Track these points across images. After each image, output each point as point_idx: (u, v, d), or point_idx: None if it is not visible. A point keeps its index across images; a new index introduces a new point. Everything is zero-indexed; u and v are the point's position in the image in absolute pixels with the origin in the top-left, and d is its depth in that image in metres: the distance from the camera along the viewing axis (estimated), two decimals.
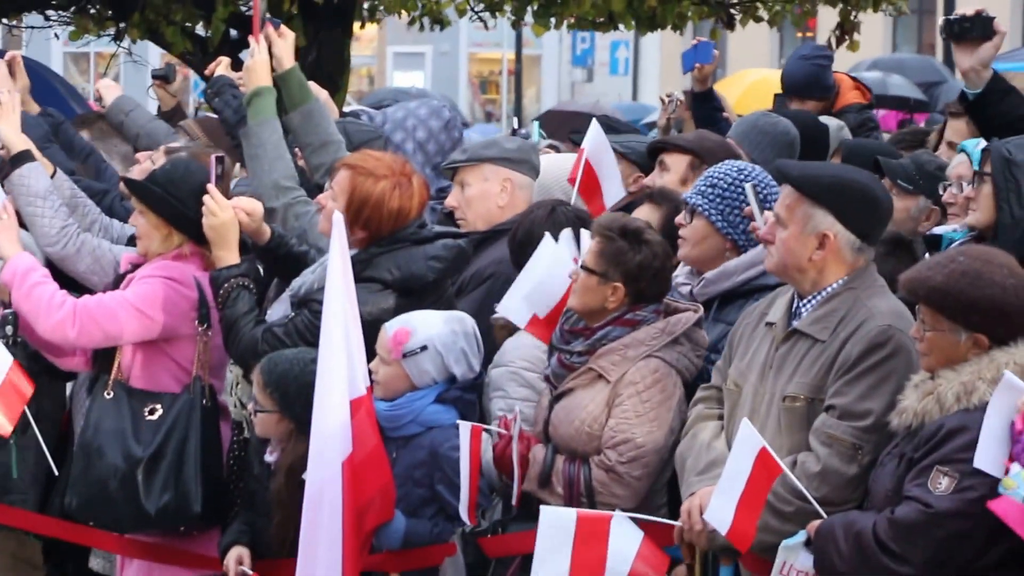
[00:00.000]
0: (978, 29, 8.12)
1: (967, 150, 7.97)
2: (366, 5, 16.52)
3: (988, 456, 6.16)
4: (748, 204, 7.67)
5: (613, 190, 9.17)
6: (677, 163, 8.97)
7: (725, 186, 7.73)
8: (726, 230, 7.70)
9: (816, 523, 6.58)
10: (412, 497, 7.64)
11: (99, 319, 8.26)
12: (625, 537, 6.99)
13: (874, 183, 7.22)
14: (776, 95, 13.12)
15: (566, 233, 7.77)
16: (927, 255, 7.85)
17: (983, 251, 6.75)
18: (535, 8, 16.18)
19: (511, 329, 8.00)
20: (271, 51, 9.07)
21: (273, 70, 9.07)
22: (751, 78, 20.52)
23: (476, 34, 28.14)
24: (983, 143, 7.87)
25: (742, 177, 7.74)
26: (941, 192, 8.23)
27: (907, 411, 6.51)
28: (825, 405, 6.73)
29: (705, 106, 12.38)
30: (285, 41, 9.14)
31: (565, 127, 14.59)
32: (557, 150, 13.04)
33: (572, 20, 16.28)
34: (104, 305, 8.30)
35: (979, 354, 6.43)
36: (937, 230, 8.16)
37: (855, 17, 16.74)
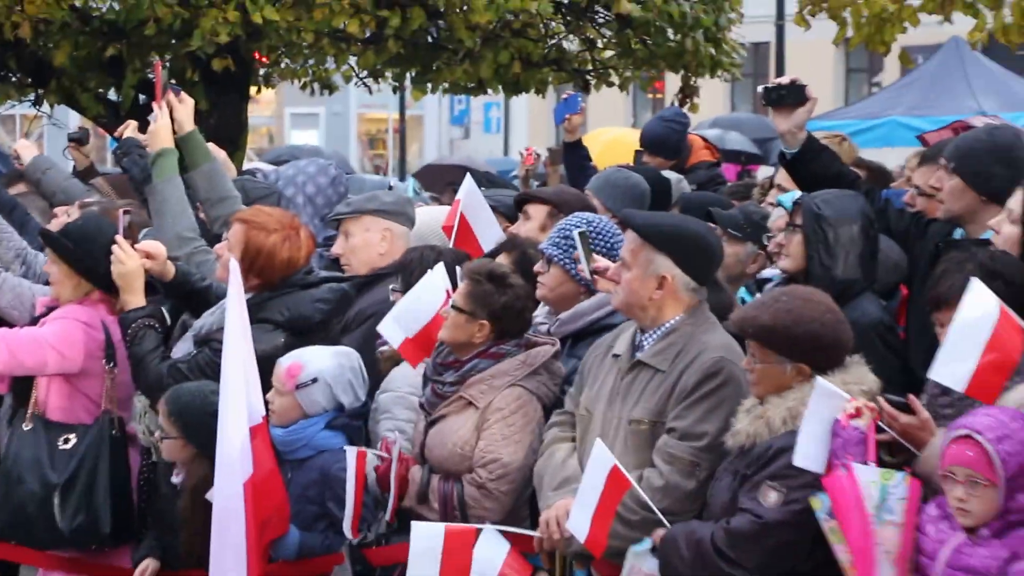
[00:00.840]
0: (792, 96, 8.17)
1: (783, 203, 8.04)
2: (262, 72, 16.43)
3: (806, 455, 6.29)
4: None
5: (488, 235, 9.17)
6: (538, 213, 9.02)
7: (576, 244, 7.75)
8: (578, 277, 7.72)
9: (661, 531, 6.65)
10: (306, 513, 7.64)
11: (24, 350, 8.23)
12: (493, 547, 7.05)
13: (707, 231, 7.31)
14: (636, 150, 13.13)
15: (440, 268, 7.77)
16: (758, 295, 7.94)
17: (803, 291, 6.88)
18: (413, 75, 16.17)
19: (396, 360, 8.02)
20: (173, 116, 9.03)
21: (175, 132, 9.03)
22: (608, 136, 20.53)
23: (364, 96, 28.04)
24: (798, 195, 7.96)
25: (591, 230, 7.76)
26: (766, 241, 8.29)
27: (740, 433, 6.58)
28: (667, 427, 6.79)
29: (575, 155, 12.44)
30: (185, 106, 9.12)
31: (442, 179, 14.66)
32: (439, 201, 13.05)
33: (446, 85, 16.25)
34: (28, 338, 8.28)
35: (802, 382, 6.52)
36: (765, 273, 8.24)
37: (694, 82, 16.82)
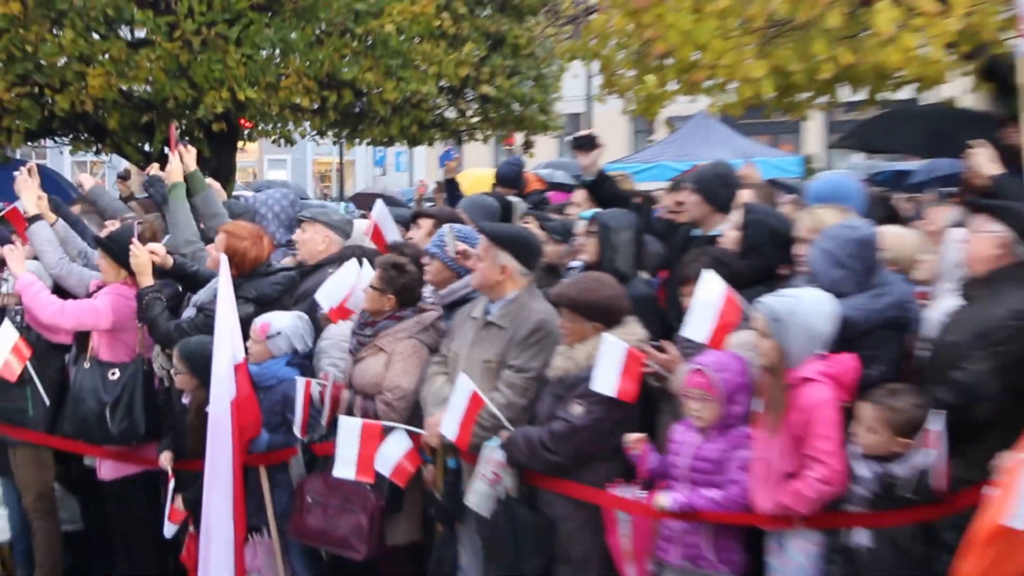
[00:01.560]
0: (590, 143, 8.19)
1: (584, 217, 8.06)
2: (246, 132, 16.36)
3: (600, 380, 6.35)
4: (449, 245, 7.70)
5: (392, 238, 9.14)
6: (426, 224, 8.95)
7: (446, 240, 7.74)
8: (452, 266, 7.69)
9: (505, 432, 6.63)
10: (272, 421, 7.55)
11: (80, 314, 8.32)
12: (399, 442, 6.99)
13: (531, 235, 7.28)
14: (493, 184, 13.10)
15: (353, 262, 7.72)
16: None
17: (596, 275, 6.92)
18: (346, 133, 16.11)
19: (329, 320, 7.95)
20: (183, 160, 9.01)
21: (185, 171, 9.01)
22: (475, 174, 20.40)
23: (315, 147, 27.91)
24: (593, 211, 8.00)
25: (455, 232, 7.74)
26: (573, 242, 8.29)
27: (557, 368, 6.59)
28: (507, 364, 6.78)
29: (452, 187, 12.38)
30: (191, 154, 9.13)
31: (368, 203, 14.51)
32: (366, 217, 12.97)
33: (369, 140, 16.19)
34: (88, 307, 8.31)
35: (596, 334, 6.51)
36: (572, 264, 8.23)
37: (532, 138, 16.86)
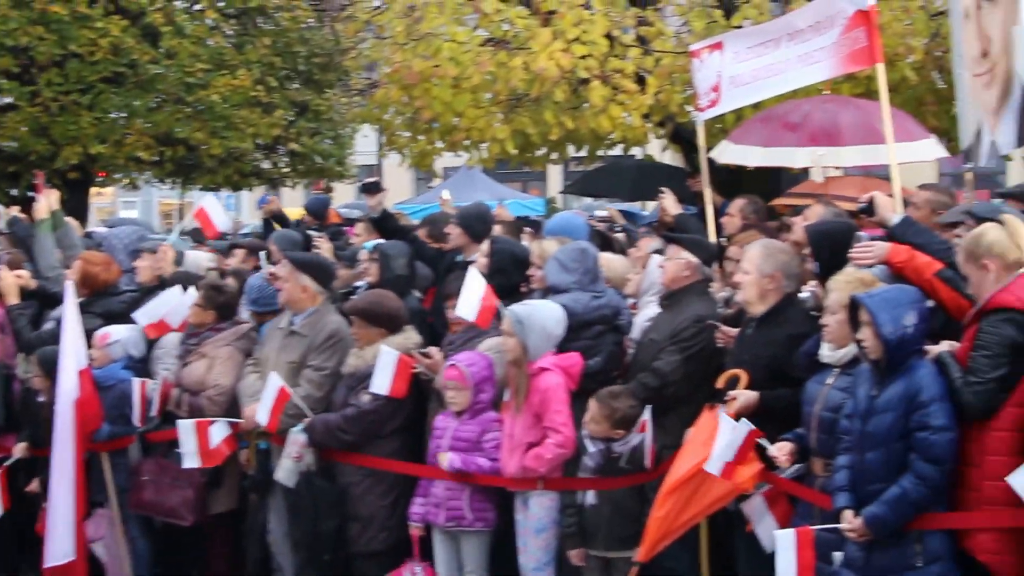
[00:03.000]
0: (375, 188, 8.00)
1: (367, 247, 7.94)
2: (99, 179, 15.89)
3: (376, 382, 6.25)
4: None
5: (220, 226, 9.02)
6: (239, 253, 8.74)
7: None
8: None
9: (308, 419, 6.46)
10: (111, 415, 7.14)
11: None
12: (220, 430, 6.72)
13: (328, 262, 7.18)
14: (302, 214, 12.84)
15: (176, 288, 7.42)
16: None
17: (379, 291, 6.83)
18: (182, 180, 15.71)
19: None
20: (48, 201, 8.51)
21: (49, 210, 8.52)
22: (290, 214, 20.05)
23: (160, 192, 27.22)
24: (375, 242, 7.88)
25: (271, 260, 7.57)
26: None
27: (350, 366, 6.49)
28: (307, 364, 6.62)
29: (267, 226, 12.02)
30: (54, 197, 8.59)
31: (202, 235, 14.01)
32: (197, 248, 12.52)
33: (200, 186, 15.77)
34: None
35: (381, 338, 6.41)
36: (358, 283, 8.04)
37: (331, 184, 16.71)
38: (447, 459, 6.07)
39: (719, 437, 5.06)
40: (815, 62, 7.21)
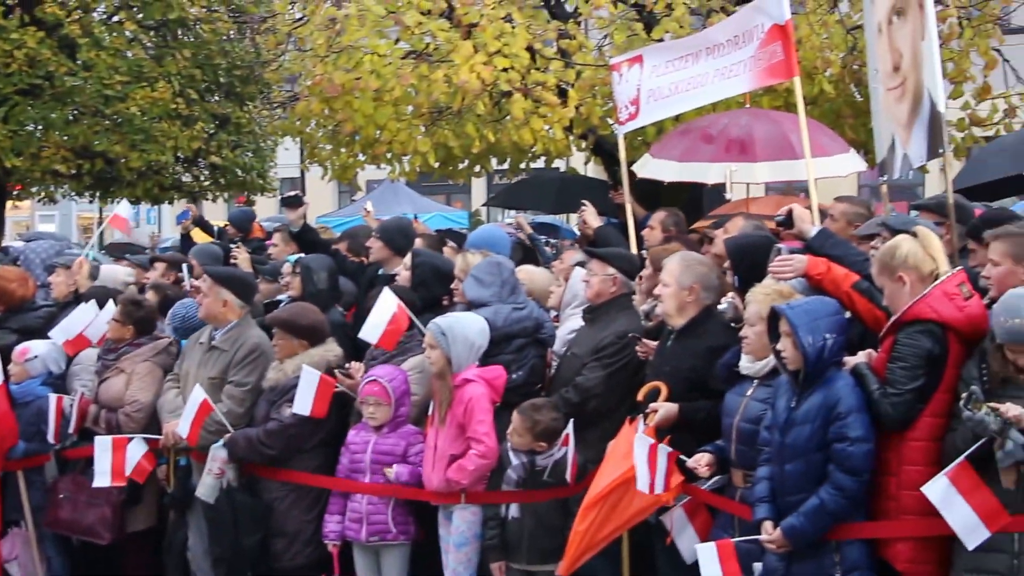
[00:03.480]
0: (295, 202, 7.92)
1: (290, 260, 7.81)
2: (15, 192, 15.50)
3: (299, 402, 6.19)
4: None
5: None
6: (160, 267, 8.60)
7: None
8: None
9: (228, 434, 6.35)
10: (28, 431, 6.96)
11: None
12: (138, 447, 6.60)
13: (248, 276, 7.07)
14: (224, 224, 12.65)
15: (92, 303, 7.28)
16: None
17: (302, 304, 6.76)
18: (100, 194, 15.35)
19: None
20: None
21: None
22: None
23: (76, 205, 26.76)
24: (297, 256, 7.77)
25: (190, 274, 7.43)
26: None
27: (271, 379, 6.41)
28: (228, 380, 6.50)
29: (185, 241, 11.78)
30: None
31: (120, 251, 13.73)
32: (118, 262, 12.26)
33: (120, 199, 15.41)
34: None
35: (303, 350, 6.37)
36: (280, 297, 7.94)
37: (253, 197, 16.51)
38: (393, 472, 6.01)
39: (636, 457, 5.02)
40: (733, 76, 7.27)
